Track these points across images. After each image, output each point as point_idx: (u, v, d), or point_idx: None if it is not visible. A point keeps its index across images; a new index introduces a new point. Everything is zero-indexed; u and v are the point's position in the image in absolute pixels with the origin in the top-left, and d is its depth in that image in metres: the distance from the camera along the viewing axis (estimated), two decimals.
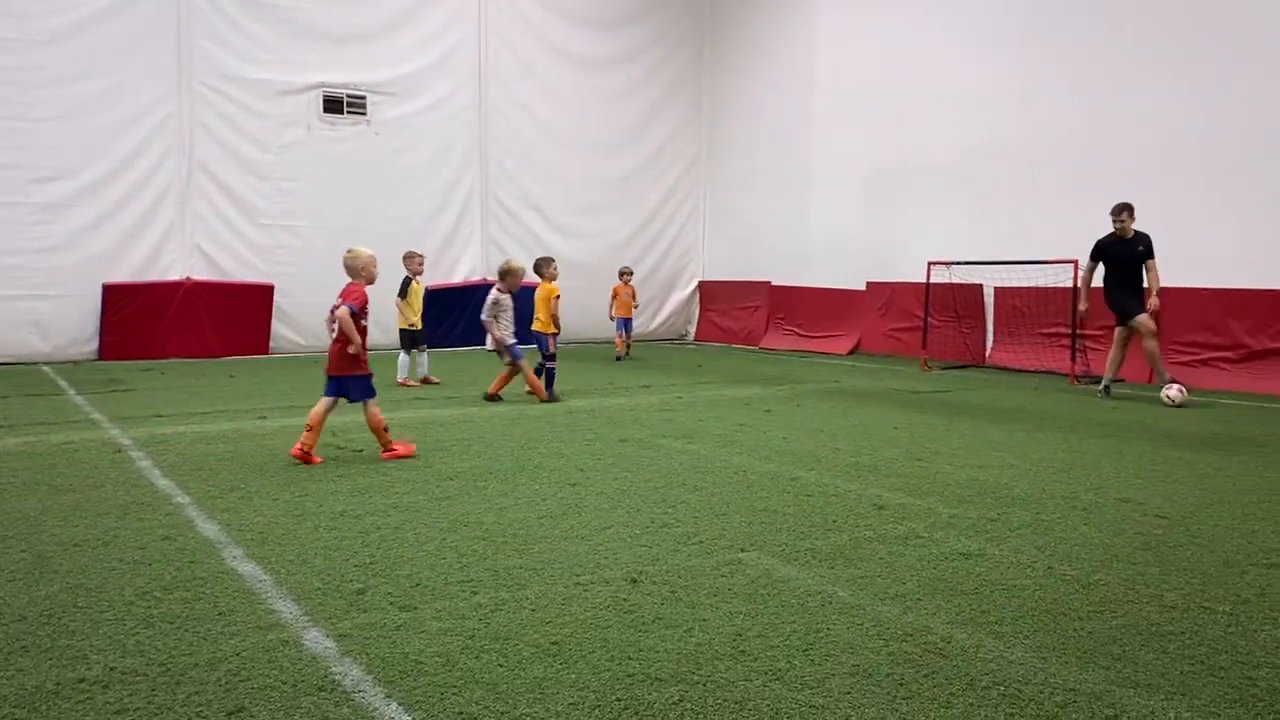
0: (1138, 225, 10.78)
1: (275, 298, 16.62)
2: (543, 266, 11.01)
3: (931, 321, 15.50)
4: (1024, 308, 14.67)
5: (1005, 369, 14.49)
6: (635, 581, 4.17)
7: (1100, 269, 11.13)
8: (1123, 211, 10.76)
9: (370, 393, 7.04)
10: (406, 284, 12.08)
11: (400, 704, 2.98)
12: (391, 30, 17.66)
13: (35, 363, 14.52)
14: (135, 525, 5.07)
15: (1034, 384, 12.55)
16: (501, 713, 2.93)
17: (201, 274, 16.10)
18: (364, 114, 17.41)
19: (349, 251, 7.16)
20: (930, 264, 15.28)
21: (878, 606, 3.87)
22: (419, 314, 12.15)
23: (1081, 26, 14.13)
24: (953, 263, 15.04)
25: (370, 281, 7.18)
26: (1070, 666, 3.29)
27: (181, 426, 8.46)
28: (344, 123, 17.25)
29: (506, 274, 10.33)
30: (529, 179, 19.41)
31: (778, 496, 5.83)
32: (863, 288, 17.79)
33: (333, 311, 6.97)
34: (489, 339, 10.59)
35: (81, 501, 5.61)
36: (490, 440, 7.80)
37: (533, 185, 19.47)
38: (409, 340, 12.11)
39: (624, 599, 3.95)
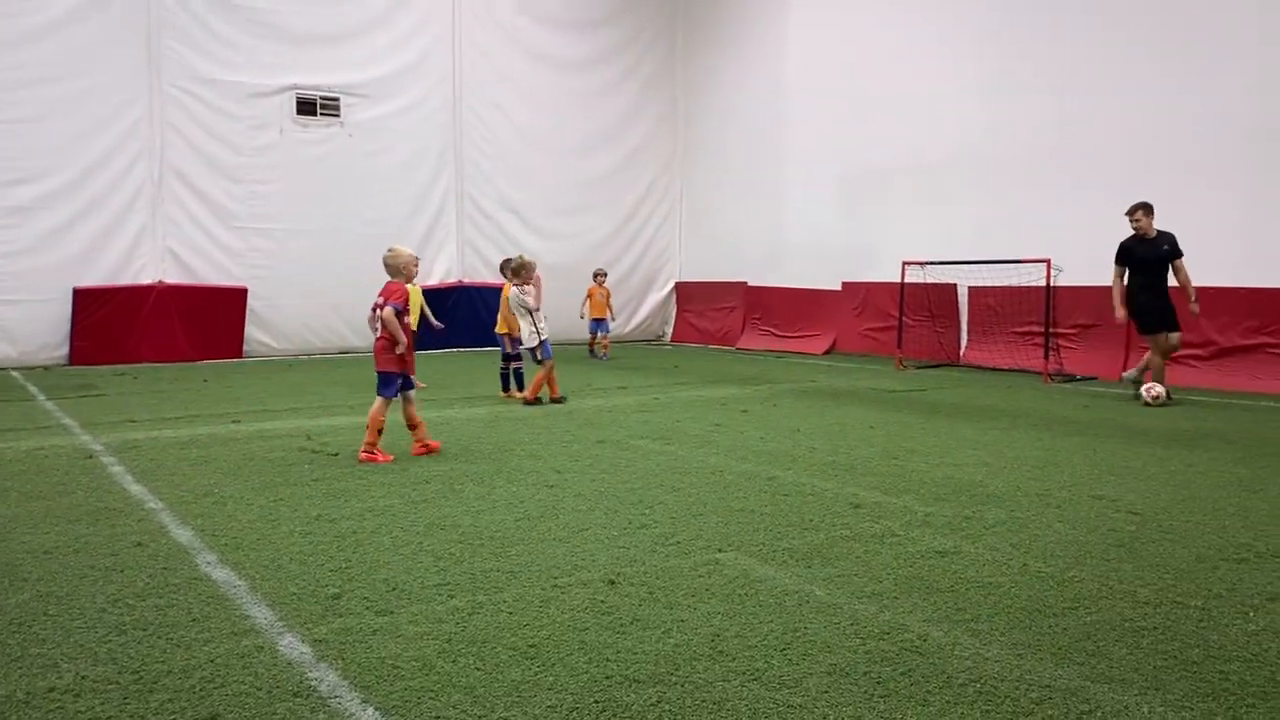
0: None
1: (249, 301, 16.50)
2: (509, 268, 10.98)
3: (906, 321, 15.58)
4: (997, 306, 14.79)
5: (979, 368, 14.60)
6: (613, 583, 4.17)
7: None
8: (1139, 210, 10.25)
9: (390, 391, 7.07)
10: None
11: (377, 709, 2.97)
12: (364, 32, 17.58)
13: (4, 368, 14.30)
14: (107, 532, 5.01)
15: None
16: (479, 716, 2.92)
17: (174, 278, 15.96)
18: (337, 116, 17.31)
19: (390, 250, 7.20)
20: (905, 264, 15.38)
21: (855, 605, 3.89)
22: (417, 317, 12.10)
23: (1052, 26, 14.26)
24: (927, 262, 15.15)
25: (410, 280, 7.24)
26: (1045, 663, 3.31)
27: (154, 431, 8.38)
28: (317, 125, 17.14)
29: (520, 269, 10.17)
30: (505, 180, 19.37)
31: (754, 496, 5.84)
32: (838, 288, 17.87)
33: (375, 310, 7.01)
34: (510, 340, 10.59)
35: (52, 508, 5.53)
36: (467, 443, 7.78)
37: (509, 187, 19.43)
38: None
39: (602, 601, 3.94)
